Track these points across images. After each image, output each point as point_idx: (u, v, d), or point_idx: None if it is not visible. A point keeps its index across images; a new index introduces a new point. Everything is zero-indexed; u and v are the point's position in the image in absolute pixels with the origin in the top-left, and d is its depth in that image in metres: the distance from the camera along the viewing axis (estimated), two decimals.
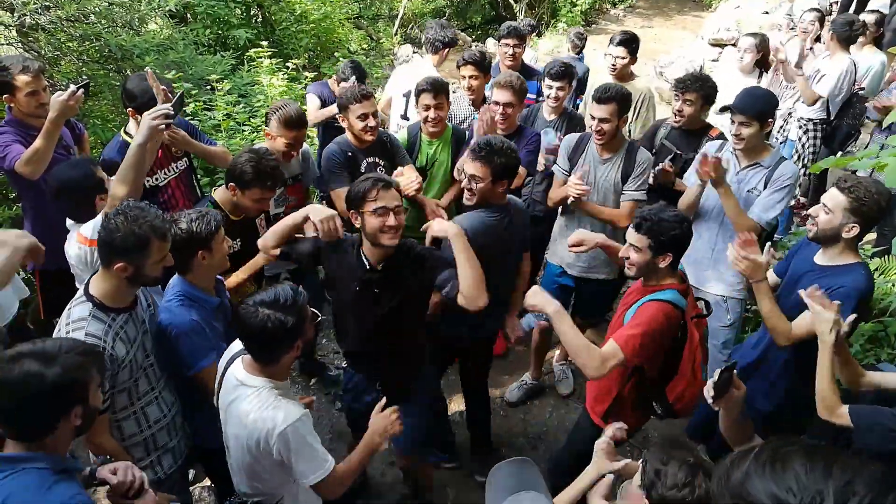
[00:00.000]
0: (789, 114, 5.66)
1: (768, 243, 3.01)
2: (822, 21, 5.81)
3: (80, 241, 2.77)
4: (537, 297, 2.52)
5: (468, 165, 2.98)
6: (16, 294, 3.38)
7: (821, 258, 2.84)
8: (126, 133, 3.51)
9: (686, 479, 1.84)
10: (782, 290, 2.95)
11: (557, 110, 4.31)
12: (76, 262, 2.81)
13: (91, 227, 2.74)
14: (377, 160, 3.79)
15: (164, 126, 2.79)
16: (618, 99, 3.46)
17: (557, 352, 4.53)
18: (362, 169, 3.73)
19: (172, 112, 2.79)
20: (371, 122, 3.63)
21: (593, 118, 3.53)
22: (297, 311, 2.13)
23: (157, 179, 3.51)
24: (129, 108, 3.38)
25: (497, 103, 3.83)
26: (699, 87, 3.88)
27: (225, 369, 2.35)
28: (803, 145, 5.46)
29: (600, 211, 3.63)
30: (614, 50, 4.64)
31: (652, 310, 2.50)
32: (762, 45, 5.11)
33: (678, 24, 13.42)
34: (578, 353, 2.46)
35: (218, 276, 2.80)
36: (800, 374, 2.83)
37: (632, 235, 2.60)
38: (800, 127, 5.48)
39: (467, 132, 4.19)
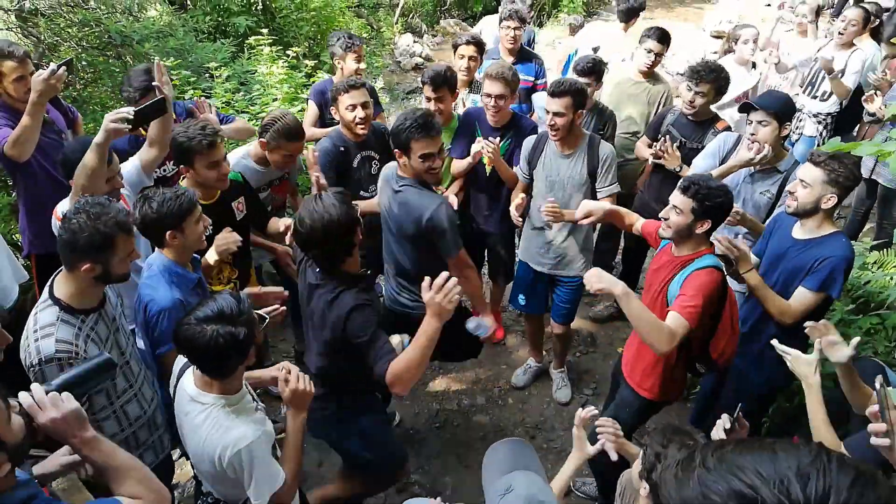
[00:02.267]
0: (798, 110, 5.62)
1: (744, 231, 3.07)
2: (817, 13, 5.79)
3: (54, 218, 2.83)
4: (603, 281, 2.52)
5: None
6: (15, 278, 3.39)
7: (799, 232, 2.92)
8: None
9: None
10: (764, 270, 3.04)
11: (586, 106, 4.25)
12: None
13: (61, 206, 2.81)
14: (372, 154, 3.74)
15: (123, 129, 2.70)
16: (572, 92, 3.40)
17: (554, 360, 4.43)
18: (355, 164, 3.69)
19: (132, 118, 2.69)
20: (360, 114, 3.53)
21: (548, 112, 3.47)
22: (245, 320, 2.02)
23: (164, 171, 3.50)
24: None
25: (489, 95, 3.76)
26: (714, 79, 3.84)
27: (178, 377, 2.27)
28: (824, 139, 5.44)
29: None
30: (652, 45, 4.47)
31: (703, 278, 2.60)
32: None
33: (680, 15, 13.36)
34: (648, 331, 2.53)
35: (194, 255, 2.79)
36: (788, 341, 2.92)
37: (676, 197, 2.67)
38: (819, 122, 5.47)
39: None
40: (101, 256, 2.18)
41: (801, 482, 0.86)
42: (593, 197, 3.61)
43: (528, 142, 3.74)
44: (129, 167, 3.10)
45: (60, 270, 2.30)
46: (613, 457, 2.30)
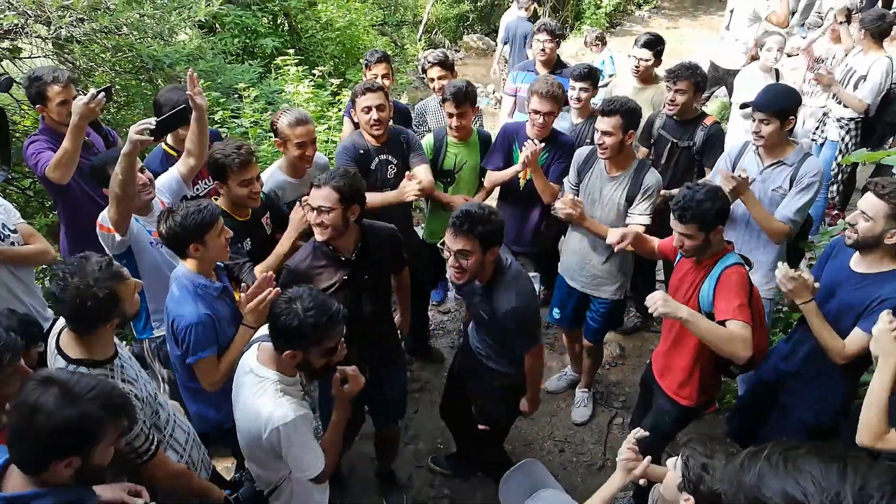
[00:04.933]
0: (824, 114, 5.56)
1: (804, 261, 2.97)
2: (849, 18, 5.70)
3: (99, 227, 2.95)
4: (668, 306, 2.55)
5: (449, 240, 2.71)
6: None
7: (858, 265, 2.75)
8: (167, 145, 3.62)
9: None
10: (818, 298, 2.80)
11: (583, 112, 4.31)
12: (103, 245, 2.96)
13: (102, 215, 2.93)
14: (389, 158, 3.81)
15: (148, 139, 2.75)
16: (623, 112, 3.33)
17: (582, 378, 4.39)
18: (373, 166, 3.77)
19: (154, 127, 2.74)
20: (375, 116, 3.62)
21: (597, 130, 3.42)
22: (329, 318, 2.18)
23: (197, 189, 3.61)
24: None
25: (538, 112, 3.76)
26: (690, 75, 3.91)
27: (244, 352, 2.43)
28: (847, 145, 5.36)
29: (605, 232, 3.46)
30: (638, 52, 4.63)
31: (734, 276, 2.65)
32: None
33: (704, 23, 13.26)
34: (725, 344, 2.53)
35: (218, 263, 2.87)
36: (844, 384, 2.86)
37: (678, 226, 2.70)
38: (841, 127, 5.38)
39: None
40: (115, 312, 2.18)
41: (859, 501, 0.82)
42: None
43: (581, 153, 3.72)
44: (169, 177, 3.23)
45: (60, 336, 2.26)
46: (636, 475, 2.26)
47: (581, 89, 4.22)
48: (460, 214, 2.65)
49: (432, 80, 4.58)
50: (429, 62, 4.62)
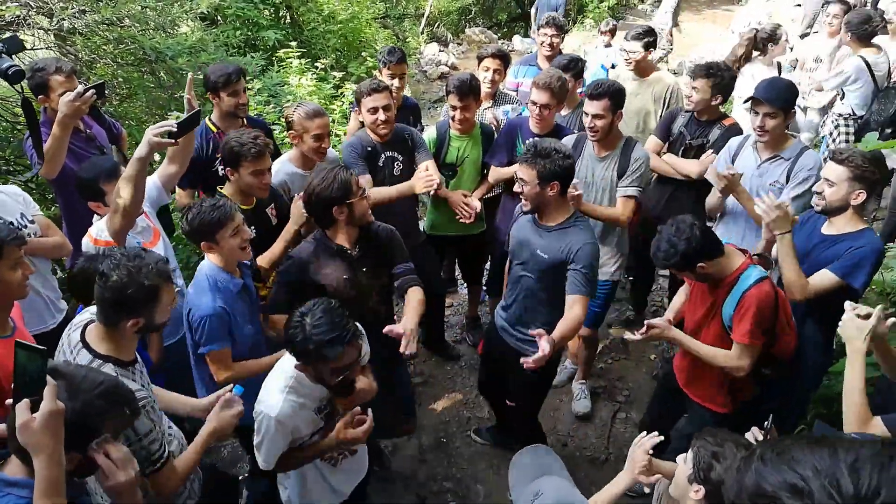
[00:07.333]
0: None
1: (788, 200, 3.09)
2: (846, 13, 5.69)
3: (88, 239, 2.92)
4: (662, 331, 2.80)
5: (518, 169, 2.94)
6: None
7: (829, 229, 2.91)
8: (210, 122, 3.68)
9: None
10: None
11: (569, 103, 4.27)
12: None
13: (97, 228, 2.89)
14: (396, 155, 3.80)
15: (166, 142, 2.74)
16: (610, 94, 3.41)
17: (578, 370, 4.37)
18: (380, 163, 3.76)
19: (175, 130, 2.72)
20: (381, 116, 3.60)
21: (587, 115, 3.48)
22: (341, 333, 2.12)
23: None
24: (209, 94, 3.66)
25: (535, 103, 3.76)
26: (707, 75, 3.81)
27: None
28: (834, 140, 5.37)
29: (598, 210, 3.55)
30: (627, 44, 4.63)
31: (753, 298, 2.62)
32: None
33: (707, 18, 13.25)
34: (718, 362, 2.74)
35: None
36: (820, 327, 3.03)
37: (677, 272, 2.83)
38: (832, 122, 5.40)
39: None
40: (147, 309, 2.13)
41: (854, 476, 0.86)
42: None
43: (568, 141, 3.71)
44: (149, 184, 3.13)
45: (89, 326, 2.22)
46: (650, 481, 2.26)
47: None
48: (529, 146, 2.92)
49: (487, 69, 4.44)
50: (489, 52, 4.51)
